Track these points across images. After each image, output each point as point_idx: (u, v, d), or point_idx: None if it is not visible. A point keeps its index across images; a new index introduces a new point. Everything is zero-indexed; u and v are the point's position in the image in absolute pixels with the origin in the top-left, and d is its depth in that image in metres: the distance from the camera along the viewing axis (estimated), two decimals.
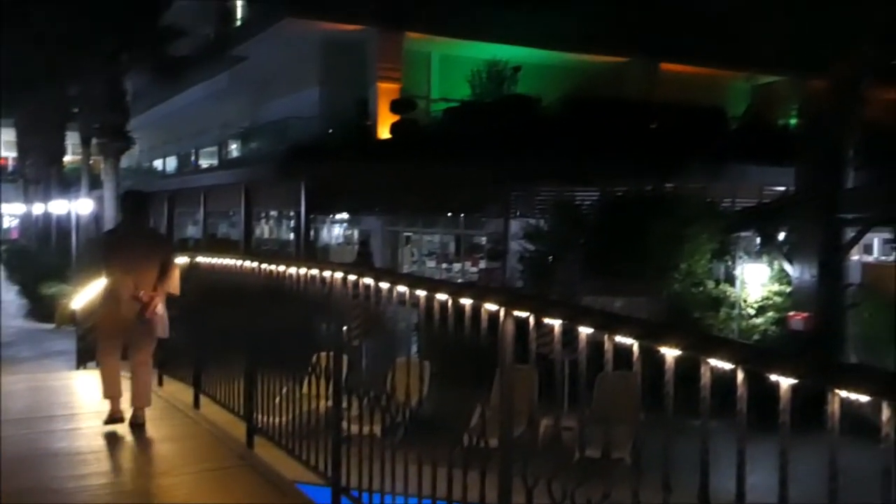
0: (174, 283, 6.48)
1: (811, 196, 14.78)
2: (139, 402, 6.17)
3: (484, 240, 21.37)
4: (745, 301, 14.00)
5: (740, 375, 2.93)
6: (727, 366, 2.94)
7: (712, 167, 17.89)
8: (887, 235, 22.38)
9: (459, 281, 21.07)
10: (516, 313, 3.83)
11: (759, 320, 14.00)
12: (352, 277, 4.74)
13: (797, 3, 19.79)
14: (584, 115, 18.51)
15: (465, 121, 18.76)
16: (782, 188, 17.85)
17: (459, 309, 4.14)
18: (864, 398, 2.50)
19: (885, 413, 2.45)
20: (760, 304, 14.16)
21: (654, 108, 20.67)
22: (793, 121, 24.17)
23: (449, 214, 20.40)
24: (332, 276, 4.86)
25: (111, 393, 6.14)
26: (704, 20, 22.16)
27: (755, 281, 14.16)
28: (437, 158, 16.83)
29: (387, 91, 20.45)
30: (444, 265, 22.35)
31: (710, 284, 14.27)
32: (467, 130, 17.82)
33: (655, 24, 21.92)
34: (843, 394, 2.56)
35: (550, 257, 15.36)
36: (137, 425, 6.09)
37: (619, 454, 9.15)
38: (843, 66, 16.66)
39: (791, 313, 13.81)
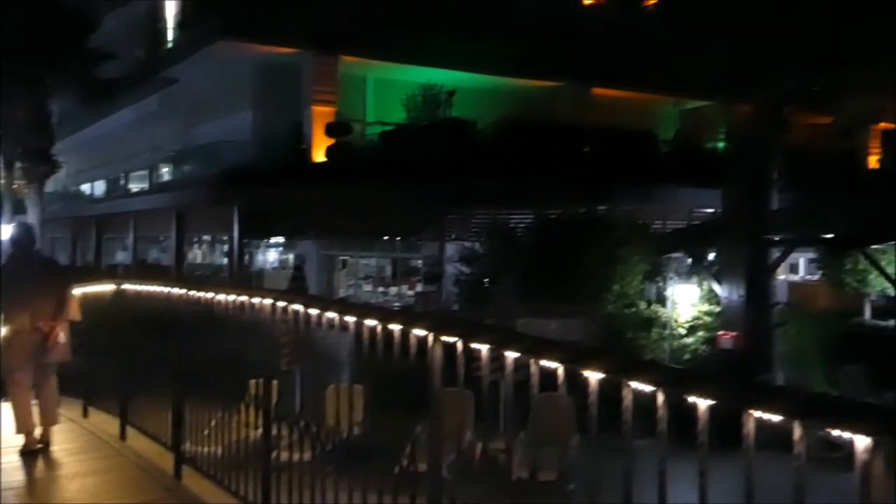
0: (74, 309, 6.56)
1: (738, 218, 15.18)
2: (47, 422, 6.24)
3: (420, 263, 21.39)
4: (676, 321, 14.28)
5: (661, 397, 2.98)
6: (648, 388, 2.99)
7: (643, 190, 18.25)
8: (812, 255, 23.15)
9: (397, 304, 21.02)
10: (444, 338, 3.84)
11: (689, 340, 14.29)
12: (281, 303, 4.72)
13: (723, 32, 20.45)
14: (519, 139, 18.72)
15: (401, 144, 18.81)
16: (711, 210, 18.28)
17: (389, 334, 4.14)
18: (776, 418, 2.58)
19: (797, 433, 2.52)
20: (691, 323, 14.46)
21: (587, 132, 21.02)
22: (720, 144, 24.86)
23: (385, 238, 20.37)
24: (261, 302, 4.82)
25: (25, 427, 6.13)
26: (634, 46, 22.74)
27: (685, 301, 14.47)
28: (373, 182, 16.81)
29: (322, 114, 20.37)
30: (381, 289, 22.27)
31: (643, 305, 14.53)
32: (403, 154, 17.87)
33: (587, 50, 22.37)
34: (758, 414, 2.63)
35: (486, 280, 15.46)
36: (44, 445, 6.14)
37: (552, 475, 9.24)
38: (767, 92, 17.24)
39: (720, 332, 14.12)
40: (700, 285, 15.01)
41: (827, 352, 15.14)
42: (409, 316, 4.38)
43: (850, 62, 28.24)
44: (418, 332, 3.96)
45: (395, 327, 4.13)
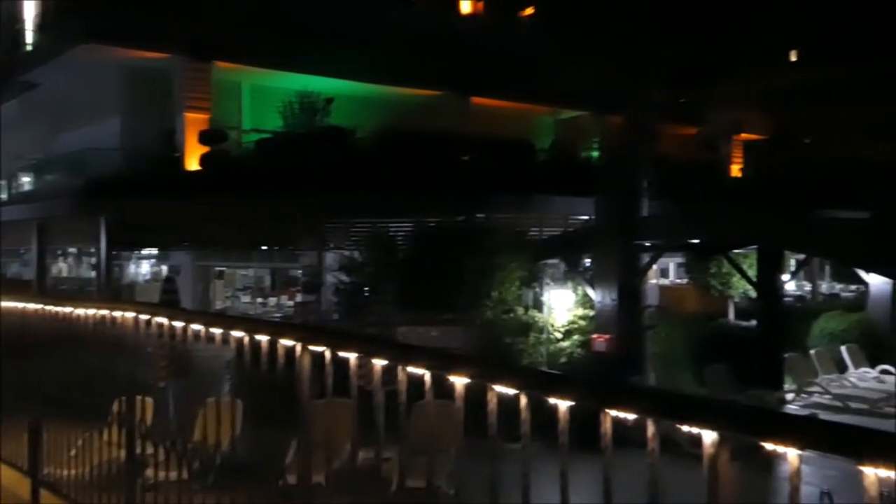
0: None
1: (610, 224, 15.68)
2: None
3: (300, 273, 21.09)
4: (552, 326, 14.60)
5: (523, 400, 3.02)
6: (511, 391, 3.03)
7: (521, 198, 18.61)
8: (681, 260, 24.20)
9: (277, 315, 20.66)
10: (312, 348, 3.80)
11: (565, 344, 14.64)
12: (144, 317, 4.56)
13: (596, 44, 21.12)
14: (398, 148, 18.75)
15: (278, 152, 18.50)
16: (585, 217, 18.81)
17: (256, 346, 4.07)
18: (631, 416, 2.65)
19: (650, 430, 2.60)
20: (567, 328, 14.81)
21: (466, 141, 21.27)
22: (595, 154, 25.66)
23: (263, 248, 19.98)
24: (123, 315, 4.65)
25: None
26: (512, 57, 23.20)
27: (561, 306, 14.82)
28: (250, 190, 16.46)
29: (195, 121, 19.79)
30: (260, 300, 21.84)
31: (520, 311, 14.78)
32: (280, 162, 17.58)
33: (466, 60, 22.67)
34: (615, 413, 2.70)
35: (366, 289, 15.39)
36: None
37: (437, 482, 9.27)
38: (637, 104, 17.90)
39: (594, 336, 14.53)
40: (575, 290, 15.42)
41: (694, 352, 15.82)
42: (277, 326, 4.31)
43: (714, 77, 29.79)
44: (286, 342, 3.90)
45: (263, 338, 4.05)
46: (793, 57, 40.64)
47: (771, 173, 30.77)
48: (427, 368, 3.34)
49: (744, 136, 35.07)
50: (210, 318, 4.72)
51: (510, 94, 24.78)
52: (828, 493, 8.92)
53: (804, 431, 2.09)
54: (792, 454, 2.15)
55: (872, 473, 1.94)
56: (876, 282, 19.09)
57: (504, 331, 14.41)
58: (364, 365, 3.53)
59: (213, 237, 17.83)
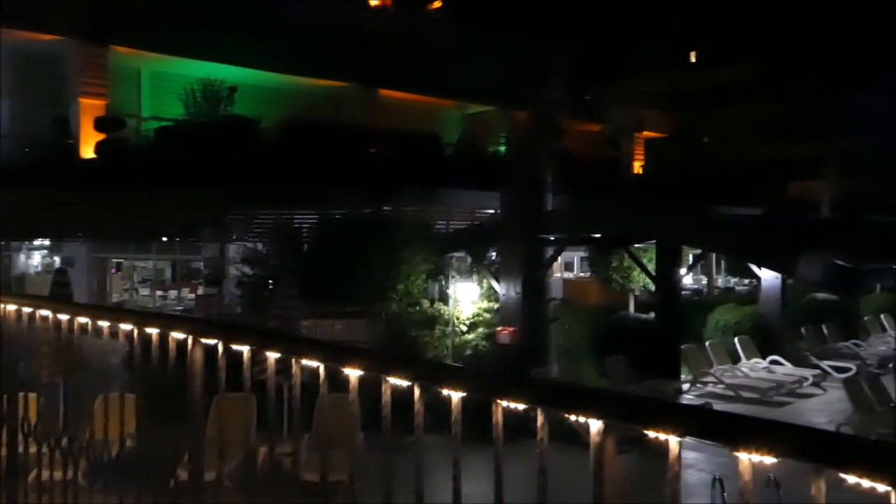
0: None
1: (515, 218, 15.86)
2: None
3: (202, 265, 20.59)
4: (458, 318, 14.68)
5: (416, 391, 3.01)
6: (404, 383, 3.02)
7: (428, 191, 18.64)
8: (584, 254, 24.72)
9: (178, 308, 20.12)
10: (204, 341, 3.71)
11: (470, 336, 14.74)
12: (27, 310, 4.39)
13: (504, 40, 21.33)
14: (304, 139, 18.50)
15: (179, 141, 17.98)
16: (491, 211, 19.00)
17: (146, 339, 3.96)
18: (522, 406, 2.67)
19: (540, 419, 2.63)
20: (472, 320, 14.92)
21: (373, 133, 21.16)
22: (501, 148, 25.94)
23: (164, 239, 19.40)
24: (4, 308, 4.46)
25: None
26: (420, 51, 23.20)
27: (467, 299, 14.92)
28: (149, 180, 15.94)
29: (91, 107, 19.03)
30: (160, 293, 21.22)
31: (426, 304, 14.81)
32: (181, 151, 17.09)
33: (374, 52, 22.54)
34: (505, 403, 2.72)
35: (270, 282, 15.13)
36: None
37: (339, 476, 9.21)
38: (543, 100, 18.15)
39: (499, 328, 14.69)
40: (480, 283, 15.55)
41: (596, 344, 16.17)
42: (167, 319, 4.19)
43: (617, 76, 30.52)
44: (177, 335, 3.80)
45: (153, 331, 3.94)
46: (692, 58, 42.01)
47: (670, 170, 31.73)
48: (321, 361, 3.30)
49: (645, 133, 36.06)
50: (98, 310, 4.55)
51: (418, 88, 24.79)
52: (719, 479, 9.25)
53: (684, 419, 2.14)
54: (672, 441, 2.20)
55: (747, 459, 2.00)
56: (767, 276, 19.92)
57: (410, 324, 14.42)
58: (264, 360, 3.47)
59: (110, 228, 17.20)
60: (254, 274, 15.26)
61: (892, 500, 1.76)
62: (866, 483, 1.74)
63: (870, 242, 21.25)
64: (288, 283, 13.89)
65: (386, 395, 3.11)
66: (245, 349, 3.60)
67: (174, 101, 20.19)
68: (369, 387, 3.13)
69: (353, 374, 3.18)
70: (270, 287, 15.16)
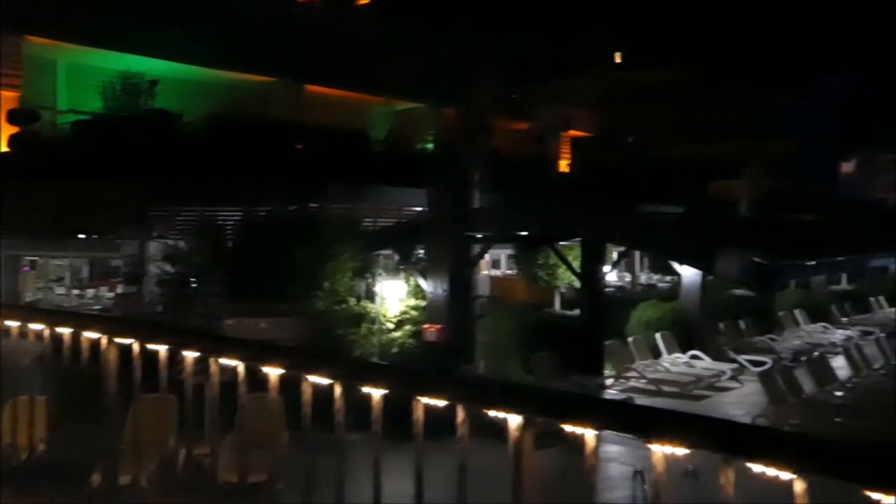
0: None
1: (442, 216, 15.90)
2: None
3: (121, 263, 20.04)
4: (384, 316, 14.64)
5: (338, 390, 2.99)
6: (325, 381, 2.99)
7: (355, 188, 18.51)
8: (511, 252, 24.94)
9: (96, 308, 19.54)
10: (119, 340, 3.62)
11: (397, 334, 14.71)
12: None
13: (431, 38, 21.34)
14: (228, 134, 18.17)
15: (97, 135, 17.43)
16: (419, 208, 19.00)
17: (59, 339, 3.83)
18: (442, 403, 2.68)
19: (460, 415, 2.63)
20: (399, 318, 14.89)
21: (300, 129, 20.91)
22: (429, 146, 25.95)
23: (81, 236, 18.80)
24: None
25: None
26: (347, 46, 23.04)
27: (394, 297, 14.88)
28: (66, 175, 15.43)
29: (3, 99, 18.31)
30: (77, 291, 20.57)
31: (353, 301, 14.73)
32: (99, 146, 16.59)
33: (301, 47, 22.28)
34: (426, 400, 2.72)
35: (192, 280, 14.83)
36: None
37: (260, 477, 9.08)
38: (471, 98, 18.23)
39: (425, 326, 14.70)
40: (407, 281, 15.53)
41: (522, 341, 16.32)
42: (81, 318, 4.06)
43: (544, 75, 30.87)
44: (90, 335, 3.69)
45: (66, 331, 3.81)
46: (618, 59, 42.77)
47: (596, 169, 32.23)
48: (240, 360, 3.25)
49: (572, 132, 36.55)
50: (8, 310, 4.38)
51: (345, 84, 24.61)
52: (640, 471, 9.45)
53: (599, 413, 2.18)
54: (589, 434, 2.23)
55: (660, 451, 2.04)
56: (687, 273, 20.42)
57: (336, 322, 14.31)
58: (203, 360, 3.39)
59: (23, 224, 16.56)
60: (176, 272, 14.93)
61: (796, 488, 1.82)
62: (771, 471, 1.80)
63: (785, 240, 21.99)
64: (211, 281, 13.65)
65: (306, 393, 3.08)
66: (162, 348, 3.52)
67: (93, 93, 19.58)
68: (298, 385, 3.09)
69: (273, 372, 3.14)
70: (193, 285, 14.86)
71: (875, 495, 1.69)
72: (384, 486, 2.94)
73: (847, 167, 70.95)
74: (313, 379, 3.05)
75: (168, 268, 15.09)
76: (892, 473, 1.65)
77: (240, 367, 3.28)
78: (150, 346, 3.53)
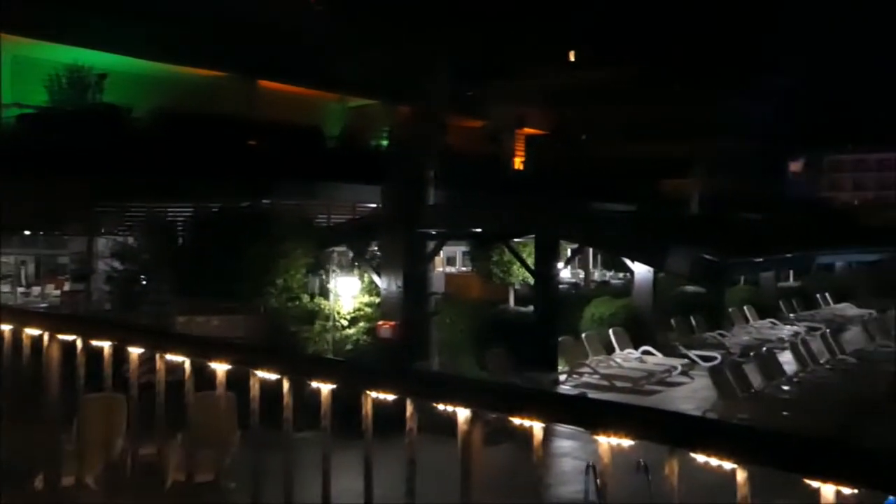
0: None
1: (397, 212, 15.86)
2: None
3: (68, 260, 19.64)
4: (338, 313, 14.56)
5: (286, 385, 2.96)
6: (273, 376, 2.96)
7: (308, 184, 18.38)
8: (466, 248, 24.99)
9: (42, 306, 19.10)
10: (62, 337, 3.53)
11: (351, 331, 14.65)
12: None
13: (387, 35, 21.29)
14: (179, 129, 17.91)
15: (43, 130, 17.05)
16: (373, 205, 18.93)
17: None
18: (391, 397, 2.66)
19: (409, 409, 2.62)
20: (353, 315, 14.82)
21: (252, 125, 20.70)
22: (384, 142, 25.89)
23: (26, 233, 18.37)
24: None
25: None
26: (301, 42, 22.85)
27: (348, 293, 14.80)
28: (9, 170, 15.06)
29: None
30: (22, 289, 20.09)
31: (306, 298, 14.62)
32: (45, 140, 16.22)
33: (253, 42, 22.04)
34: (375, 395, 2.70)
35: (142, 277, 14.59)
36: None
37: (209, 476, 8.96)
38: (426, 96, 18.20)
39: (380, 322, 14.65)
40: (361, 278, 15.46)
41: (477, 337, 16.37)
42: (21, 314, 3.97)
43: (499, 74, 31.00)
44: (32, 331, 3.60)
45: (5, 328, 3.71)
46: (572, 58, 43.13)
47: (549, 167, 32.46)
48: (187, 356, 3.20)
49: (526, 130, 36.76)
50: None
51: (299, 80, 24.44)
52: (592, 466, 9.53)
53: (547, 406, 2.18)
54: (537, 427, 2.24)
55: (606, 442, 2.06)
56: (640, 270, 20.66)
57: (289, 319, 14.19)
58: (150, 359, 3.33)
59: None
60: (124, 269, 14.67)
61: (738, 478, 1.85)
62: (714, 461, 1.82)
63: (734, 237, 22.38)
64: (161, 279, 13.44)
65: (254, 388, 3.04)
66: (106, 345, 3.45)
67: (38, 87, 19.14)
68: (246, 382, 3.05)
69: (220, 368, 3.09)
70: (143, 283, 14.61)
71: (814, 483, 1.72)
72: (335, 483, 2.92)
73: (795, 166, 72.61)
74: (261, 374, 3.01)
75: (117, 265, 14.82)
76: (829, 462, 1.69)
77: (186, 363, 3.23)
78: (95, 343, 3.45)
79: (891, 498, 1.64)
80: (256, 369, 2.98)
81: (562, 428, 2.30)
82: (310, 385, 2.84)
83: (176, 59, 21.50)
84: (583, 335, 18.20)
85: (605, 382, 16.47)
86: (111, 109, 18.13)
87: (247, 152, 19.45)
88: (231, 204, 15.49)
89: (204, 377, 3.17)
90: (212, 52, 21.55)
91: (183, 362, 3.22)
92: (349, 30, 23.89)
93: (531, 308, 18.99)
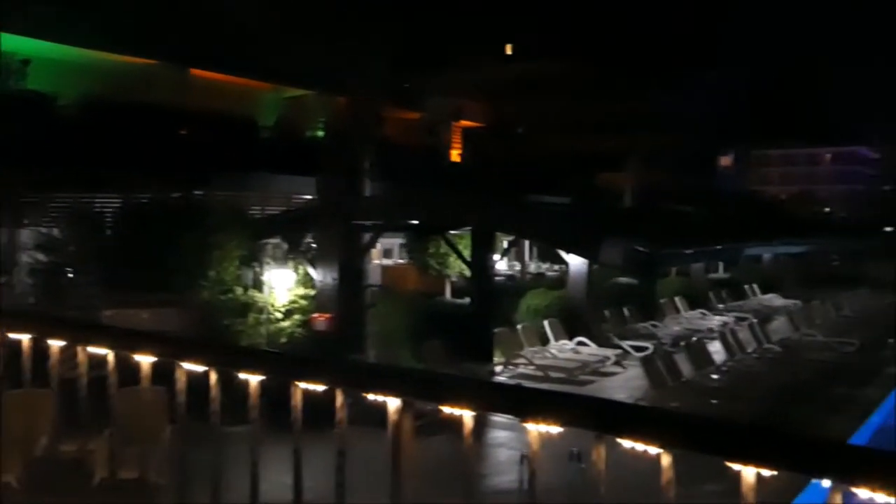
0: None
1: (332, 204, 15.73)
2: None
3: None
4: (272, 306, 14.38)
5: (213, 377, 2.90)
6: (200, 368, 2.89)
7: (242, 175, 18.10)
8: (403, 241, 24.94)
9: None
10: None
11: (286, 324, 14.49)
12: None
13: (322, 25, 21.07)
14: (107, 118, 17.44)
15: None
16: (309, 197, 18.74)
17: None
18: (321, 388, 2.63)
19: (339, 399, 2.59)
20: (287, 307, 14.66)
21: (184, 114, 20.27)
22: (320, 133, 25.63)
23: None
24: None
25: None
26: (235, 30, 22.45)
27: (282, 286, 14.63)
28: None
29: None
30: None
31: (240, 291, 14.40)
32: None
33: (185, 30, 21.56)
34: (304, 385, 2.66)
35: (68, 270, 14.17)
36: None
37: (140, 472, 8.77)
38: (362, 86, 18.07)
39: (314, 315, 14.53)
40: (296, 270, 15.30)
41: (413, 329, 16.35)
42: None
43: (436, 65, 30.99)
44: None
45: None
46: (508, 51, 43.38)
47: (486, 159, 32.61)
48: (110, 348, 3.11)
49: (463, 123, 36.84)
50: None
51: (233, 69, 24.01)
52: (527, 455, 9.63)
53: (476, 394, 2.18)
54: (467, 415, 2.23)
55: (535, 430, 2.06)
56: (575, 262, 20.90)
57: (222, 312, 13.96)
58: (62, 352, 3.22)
59: None
60: (49, 261, 14.22)
61: (663, 462, 1.87)
62: (640, 447, 1.84)
63: (665, 229, 22.82)
64: (89, 271, 13.10)
65: (181, 381, 2.97)
66: (25, 338, 3.33)
67: None
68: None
69: (145, 360, 3.01)
70: (70, 275, 14.20)
71: (735, 466, 1.75)
72: (265, 477, 2.87)
73: (725, 161, 74.48)
74: (188, 366, 2.94)
75: (41, 257, 14.37)
76: (749, 446, 1.72)
77: (110, 355, 3.14)
78: (12, 336, 3.33)
79: (814, 481, 1.68)
80: (182, 361, 2.92)
81: (498, 418, 2.30)
82: (238, 377, 2.79)
83: (103, 45, 20.89)
84: (518, 327, 18.34)
85: (540, 373, 16.62)
86: (35, 96, 17.55)
87: (178, 142, 19.05)
88: (162, 195, 15.14)
89: (130, 370, 3.09)
90: (141, 39, 21.01)
91: (106, 355, 3.14)
92: (285, 19, 23.59)
93: (468, 300, 19.06)
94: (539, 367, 16.78)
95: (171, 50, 21.91)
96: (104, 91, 19.44)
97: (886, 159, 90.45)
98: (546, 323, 18.93)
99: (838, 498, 1.66)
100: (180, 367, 2.92)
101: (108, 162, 15.62)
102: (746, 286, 30.05)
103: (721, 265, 32.58)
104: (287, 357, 2.90)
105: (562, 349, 18.33)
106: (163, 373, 3.02)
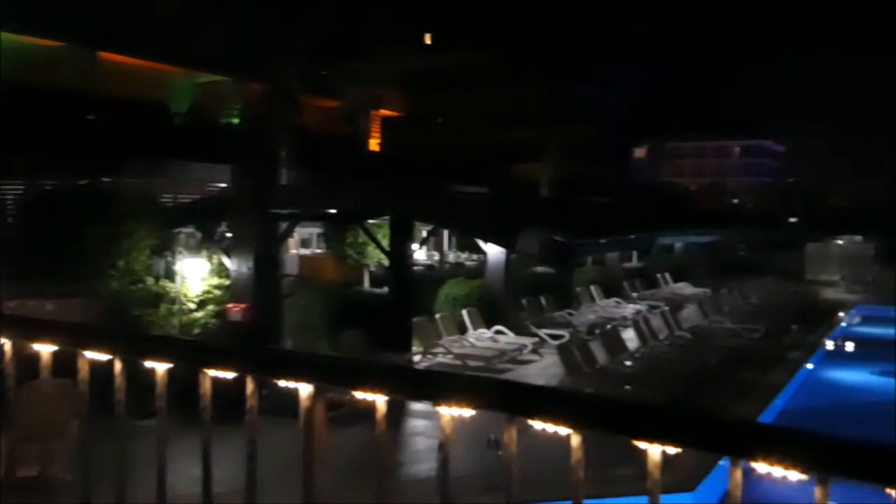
0: None
1: (247, 192, 15.45)
2: None
3: None
4: (185, 296, 14.06)
5: (118, 365, 2.80)
6: (104, 357, 2.80)
7: (153, 162, 17.61)
8: (321, 230, 24.71)
9: None
10: None
11: (199, 314, 14.18)
12: None
13: (239, 8, 20.59)
14: (9, 102, 16.69)
15: None
16: (223, 184, 18.37)
17: None
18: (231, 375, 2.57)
19: (249, 387, 2.54)
20: (201, 298, 14.35)
21: (92, 99, 19.57)
22: (235, 120, 25.14)
23: None
24: None
25: None
26: (147, 12, 21.76)
27: (195, 275, 14.31)
28: None
29: None
30: None
31: (150, 281, 14.03)
32: None
33: (93, 11, 20.81)
34: (213, 373, 2.60)
35: None
36: None
37: (42, 469, 8.47)
38: (279, 73, 17.77)
39: (229, 305, 14.27)
40: (210, 259, 14.98)
41: (331, 319, 16.24)
42: None
43: (354, 53, 30.70)
44: None
45: None
46: (427, 40, 43.35)
47: (405, 148, 32.57)
48: (6, 337, 2.97)
49: (382, 112, 36.69)
50: None
51: (143, 52, 23.30)
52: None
53: (387, 379, 2.16)
54: (380, 401, 2.21)
55: (447, 413, 2.06)
56: (493, 251, 21.09)
57: (132, 302, 13.57)
58: None
59: None
60: None
61: (573, 442, 1.90)
62: (550, 427, 1.86)
63: (581, 219, 23.23)
64: None
65: (83, 371, 2.87)
66: None
67: None
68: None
69: (44, 350, 2.90)
70: None
71: (642, 444, 1.78)
72: (173, 470, 2.80)
73: (639, 152, 76.26)
74: (90, 355, 2.83)
75: None
76: (655, 425, 1.75)
77: (7, 345, 3.00)
78: None
79: (725, 459, 1.73)
80: (85, 350, 2.81)
81: (416, 407, 2.29)
82: (144, 365, 2.71)
83: (6, 26, 19.96)
84: (437, 316, 18.40)
85: (458, 362, 16.73)
86: None
87: (86, 128, 18.39)
88: (67, 182, 14.60)
89: (28, 361, 2.97)
90: (45, 20, 20.17)
91: (2, 345, 3.00)
92: (199, 2, 22.99)
93: (386, 290, 19.02)
94: (457, 356, 16.89)
95: (79, 32, 21.11)
96: (7, 74, 18.60)
97: (791, 152, 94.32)
98: (464, 312, 19.05)
99: (738, 473, 1.71)
100: (83, 356, 2.81)
101: (11, 148, 14.96)
102: (659, 275, 30.86)
103: (635, 255, 33.36)
104: (196, 344, 2.83)
105: (480, 338, 18.48)
106: (65, 364, 2.91)
